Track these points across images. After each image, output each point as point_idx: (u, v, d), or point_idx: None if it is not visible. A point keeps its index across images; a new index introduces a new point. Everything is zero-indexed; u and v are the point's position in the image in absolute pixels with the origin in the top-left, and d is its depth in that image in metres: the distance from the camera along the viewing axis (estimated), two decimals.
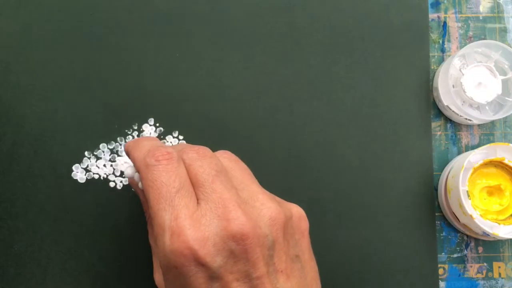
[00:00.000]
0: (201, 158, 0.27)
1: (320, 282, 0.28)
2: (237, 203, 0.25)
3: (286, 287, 0.26)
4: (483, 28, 0.40)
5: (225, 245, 0.24)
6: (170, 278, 0.25)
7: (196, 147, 0.28)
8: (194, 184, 0.26)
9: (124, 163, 0.38)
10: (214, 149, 0.38)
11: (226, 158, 0.29)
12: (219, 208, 0.25)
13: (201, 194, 0.26)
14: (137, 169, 0.28)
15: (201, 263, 0.24)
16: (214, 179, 0.26)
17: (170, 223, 0.25)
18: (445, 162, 0.39)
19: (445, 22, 0.40)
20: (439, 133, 0.39)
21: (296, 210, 0.28)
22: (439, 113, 0.39)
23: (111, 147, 0.38)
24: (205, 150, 0.28)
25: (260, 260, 0.25)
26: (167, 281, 0.26)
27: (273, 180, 0.38)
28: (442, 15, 0.40)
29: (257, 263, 0.25)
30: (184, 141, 0.38)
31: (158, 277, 0.30)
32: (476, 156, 0.36)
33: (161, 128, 0.39)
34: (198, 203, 0.26)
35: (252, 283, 0.25)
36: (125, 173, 0.31)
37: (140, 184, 0.30)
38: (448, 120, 0.39)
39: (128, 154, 0.30)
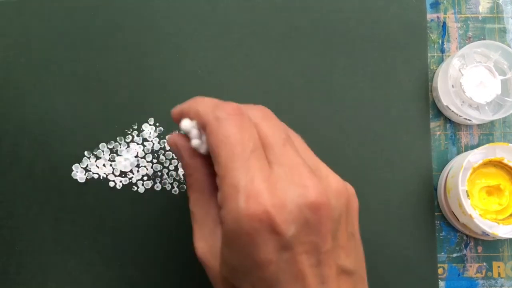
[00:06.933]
0: (268, 118, 0.25)
1: None
2: (310, 170, 0.24)
3: (345, 264, 0.25)
4: (483, 29, 0.40)
5: (301, 213, 0.22)
6: (236, 246, 0.23)
7: (259, 106, 0.26)
8: (264, 146, 0.24)
9: (124, 161, 0.38)
10: None
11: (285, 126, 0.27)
12: (294, 173, 0.23)
13: (273, 157, 0.24)
14: (203, 123, 0.25)
15: (275, 231, 0.22)
16: (285, 142, 0.24)
17: (246, 185, 0.22)
18: (444, 162, 0.39)
19: (444, 23, 0.40)
20: (438, 133, 0.39)
21: (350, 187, 0.27)
22: (439, 113, 0.39)
23: (110, 146, 0.38)
24: (269, 110, 0.26)
25: (329, 233, 0.23)
26: (231, 249, 0.24)
27: None
28: (441, 15, 0.40)
29: (327, 236, 0.23)
30: None
31: (203, 246, 0.27)
32: (475, 156, 0.36)
33: (161, 128, 0.39)
34: (270, 166, 0.24)
35: (319, 257, 0.23)
36: (182, 125, 0.27)
37: (195, 141, 0.27)
38: (447, 120, 0.39)
39: (184, 112, 0.27)
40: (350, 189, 0.26)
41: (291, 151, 0.24)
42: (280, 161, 0.24)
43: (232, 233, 0.23)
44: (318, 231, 0.23)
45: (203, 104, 0.26)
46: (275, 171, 0.24)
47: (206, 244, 0.26)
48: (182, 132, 0.28)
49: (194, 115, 0.26)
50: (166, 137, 0.34)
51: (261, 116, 0.25)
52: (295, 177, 0.23)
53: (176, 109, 0.28)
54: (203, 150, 0.27)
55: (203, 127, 0.26)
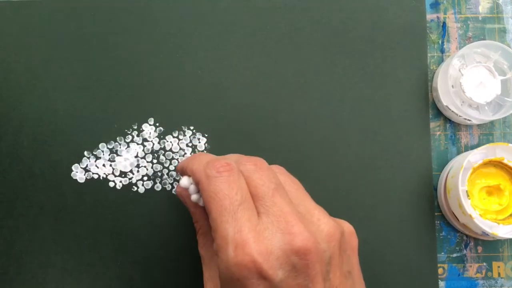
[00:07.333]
0: (259, 170, 0.27)
1: None
2: (298, 217, 0.26)
3: None
4: (483, 29, 0.40)
5: (287, 259, 0.24)
6: None
7: (253, 158, 0.28)
8: (254, 197, 0.27)
9: (124, 161, 0.38)
10: (214, 149, 0.38)
11: (279, 172, 0.29)
12: (281, 221, 0.25)
13: (261, 207, 0.26)
14: (196, 180, 0.28)
15: (263, 276, 0.24)
16: (274, 192, 0.26)
17: (234, 236, 0.25)
18: (444, 162, 0.39)
19: (444, 23, 0.40)
20: (438, 133, 0.39)
21: (347, 226, 0.28)
22: (439, 113, 0.39)
23: (110, 146, 0.38)
24: (262, 162, 0.28)
25: (319, 275, 0.25)
26: None
27: None
28: (441, 15, 0.40)
29: (316, 278, 0.25)
30: (183, 141, 0.38)
31: (210, 286, 0.30)
32: (475, 156, 0.36)
33: (161, 128, 0.39)
34: (258, 216, 0.26)
35: None
36: (181, 183, 0.30)
37: (194, 197, 0.30)
38: (447, 120, 0.39)
39: (183, 169, 0.31)
40: (348, 228, 0.28)
41: (279, 199, 0.26)
42: (268, 210, 0.26)
43: (225, 279, 0.25)
44: (306, 274, 0.25)
45: (197, 162, 0.29)
46: (263, 220, 0.26)
47: (213, 284, 0.30)
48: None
49: (190, 173, 0.30)
50: (174, 188, 0.38)
51: (252, 169, 0.27)
52: (282, 225, 0.25)
53: (178, 166, 0.32)
54: (201, 203, 0.30)
55: (197, 184, 0.28)
